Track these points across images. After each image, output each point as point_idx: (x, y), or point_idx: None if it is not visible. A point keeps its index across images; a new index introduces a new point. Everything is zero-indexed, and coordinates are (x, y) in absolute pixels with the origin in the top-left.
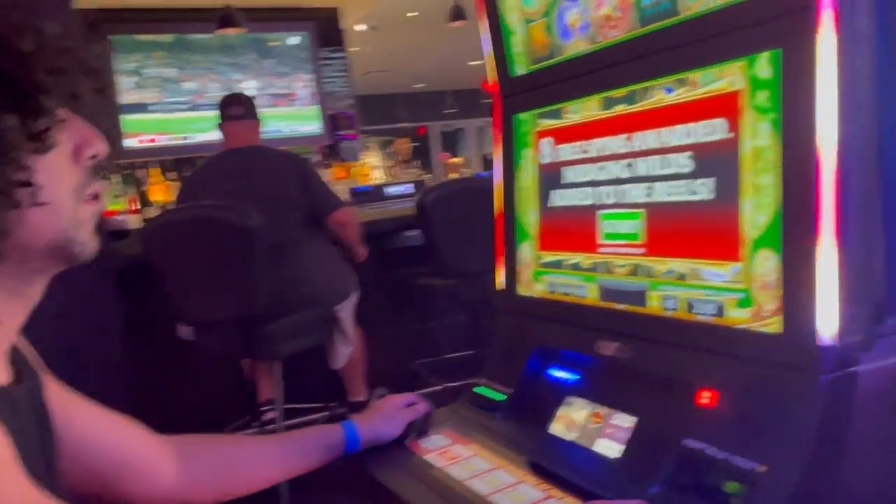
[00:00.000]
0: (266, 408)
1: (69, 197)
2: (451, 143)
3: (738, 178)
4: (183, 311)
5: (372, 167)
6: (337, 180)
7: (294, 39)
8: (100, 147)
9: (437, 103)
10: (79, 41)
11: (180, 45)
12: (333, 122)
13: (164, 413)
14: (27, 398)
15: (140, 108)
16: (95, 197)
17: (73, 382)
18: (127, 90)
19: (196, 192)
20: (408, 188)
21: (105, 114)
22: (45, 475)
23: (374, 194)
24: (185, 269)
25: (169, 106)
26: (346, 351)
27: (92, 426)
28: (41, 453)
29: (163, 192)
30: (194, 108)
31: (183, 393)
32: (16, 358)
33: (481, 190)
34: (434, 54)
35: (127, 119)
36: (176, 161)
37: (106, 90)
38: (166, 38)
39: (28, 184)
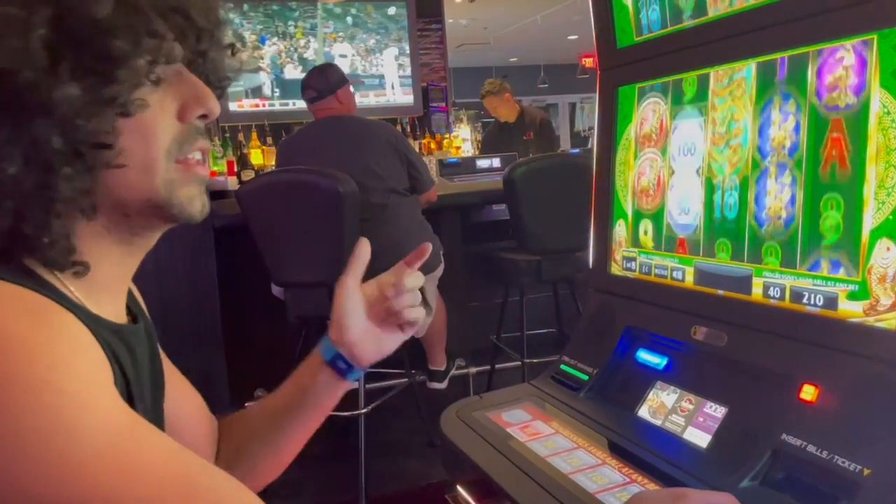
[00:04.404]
0: None
1: (163, 157)
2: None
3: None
4: (274, 271)
5: (463, 140)
6: (428, 152)
7: (392, 9)
8: (209, 105)
9: (529, 78)
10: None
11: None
12: (425, 93)
13: (255, 366)
14: (143, 338)
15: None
16: (202, 158)
17: (171, 332)
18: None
19: (291, 158)
20: (496, 162)
21: (220, 74)
22: (156, 413)
23: (464, 167)
24: (277, 231)
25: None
26: (429, 320)
27: (176, 383)
28: (153, 392)
29: (260, 156)
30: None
31: (274, 349)
32: (130, 303)
33: (570, 166)
34: (531, 28)
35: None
36: (272, 126)
37: (208, 52)
38: (275, 5)
39: (104, 146)
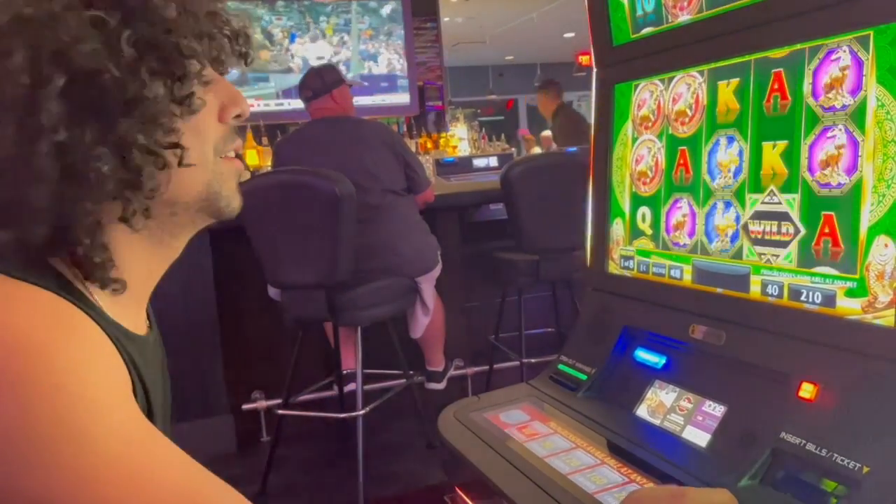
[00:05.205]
0: (347, 372)
1: (212, 154)
2: (540, 117)
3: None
4: (270, 273)
5: (459, 139)
6: (424, 151)
7: (388, 7)
8: (243, 106)
9: (525, 76)
10: (222, 4)
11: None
12: (422, 92)
13: (252, 368)
14: (156, 347)
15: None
16: (236, 154)
17: (168, 335)
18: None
19: (287, 158)
20: (493, 161)
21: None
22: (166, 423)
23: (460, 166)
24: (273, 233)
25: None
26: (426, 321)
27: None
28: (164, 403)
29: (255, 156)
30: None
31: (271, 351)
32: (148, 311)
33: (568, 165)
34: (526, 26)
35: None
36: (268, 126)
37: (249, 54)
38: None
39: (177, 145)
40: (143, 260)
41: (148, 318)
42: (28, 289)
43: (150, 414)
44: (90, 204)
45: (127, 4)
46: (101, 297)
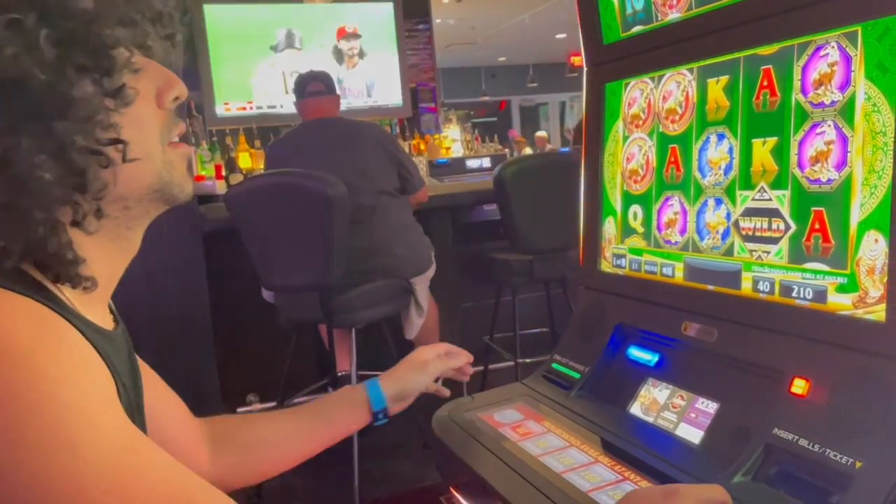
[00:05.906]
0: (342, 374)
1: (157, 141)
2: (533, 118)
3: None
4: (264, 275)
5: (452, 140)
6: (417, 153)
7: (380, 10)
8: (180, 89)
9: (518, 78)
10: None
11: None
12: (414, 94)
13: (246, 371)
14: (122, 343)
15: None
16: (182, 138)
17: (162, 338)
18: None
19: (280, 160)
20: (486, 162)
21: (178, 57)
22: (138, 419)
23: (454, 167)
24: (266, 235)
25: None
26: (420, 322)
27: (152, 388)
28: (134, 397)
29: (248, 159)
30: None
31: (265, 353)
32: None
33: (561, 165)
34: (519, 27)
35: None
36: (260, 129)
37: (175, 36)
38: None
39: (118, 141)
40: (103, 256)
41: (111, 312)
42: (10, 296)
43: (130, 413)
44: (41, 213)
45: (41, 2)
46: (72, 296)
